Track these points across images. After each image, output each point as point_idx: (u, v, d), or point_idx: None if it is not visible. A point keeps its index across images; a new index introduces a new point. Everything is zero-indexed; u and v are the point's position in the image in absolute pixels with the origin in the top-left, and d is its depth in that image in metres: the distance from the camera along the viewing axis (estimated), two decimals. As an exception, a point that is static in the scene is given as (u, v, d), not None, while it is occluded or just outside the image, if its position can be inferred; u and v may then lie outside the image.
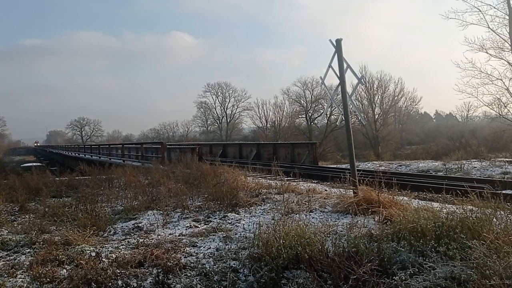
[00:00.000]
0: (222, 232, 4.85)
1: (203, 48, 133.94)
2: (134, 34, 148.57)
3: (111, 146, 27.99)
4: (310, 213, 5.66)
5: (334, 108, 35.58)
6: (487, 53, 20.94)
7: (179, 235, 4.86)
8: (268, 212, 5.91)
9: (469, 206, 4.04)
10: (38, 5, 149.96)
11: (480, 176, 12.10)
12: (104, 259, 3.79)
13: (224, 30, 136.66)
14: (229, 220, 5.58)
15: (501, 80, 21.08)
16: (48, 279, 3.34)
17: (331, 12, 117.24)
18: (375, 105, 43.40)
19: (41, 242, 4.48)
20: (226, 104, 61.94)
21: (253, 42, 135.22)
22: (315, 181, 11.26)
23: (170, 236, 4.84)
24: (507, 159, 16.66)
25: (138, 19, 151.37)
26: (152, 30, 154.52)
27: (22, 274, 3.54)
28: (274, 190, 7.67)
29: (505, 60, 20.98)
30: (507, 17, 20.39)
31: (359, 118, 27.04)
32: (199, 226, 5.31)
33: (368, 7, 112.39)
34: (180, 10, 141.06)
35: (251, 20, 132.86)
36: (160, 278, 3.24)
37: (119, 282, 3.25)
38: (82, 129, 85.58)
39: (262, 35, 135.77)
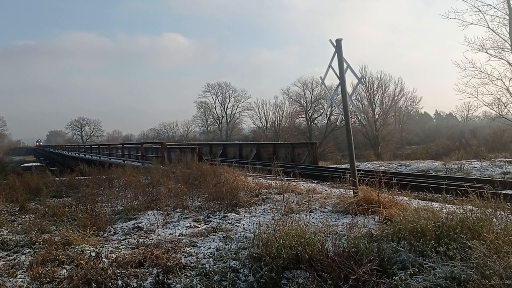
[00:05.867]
0: (222, 232, 4.85)
1: (197, 48, 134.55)
2: (128, 35, 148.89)
3: (111, 146, 28.02)
4: (310, 213, 5.66)
5: (334, 108, 35.57)
6: (487, 53, 20.92)
7: (179, 235, 4.86)
8: (268, 212, 5.90)
9: (469, 206, 4.04)
10: (29, 6, 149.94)
11: (480, 176, 12.11)
12: (104, 259, 3.79)
13: (217, 30, 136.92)
14: (229, 220, 5.58)
15: (501, 80, 21.06)
16: (48, 279, 3.34)
17: (323, 13, 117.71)
18: (375, 105, 43.45)
19: (41, 242, 4.48)
20: (226, 104, 62.03)
21: (247, 42, 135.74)
22: (315, 181, 11.26)
23: (170, 236, 4.84)
24: (507, 159, 16.65)
25: (131, 20, 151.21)
26: (146, 31, 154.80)
27: (22, 274, 3.54)
28: (274, 190, 7.67)
29: (505, 60, 20.97)
30: (507, 17, 20.37)
31: (359, 118, 26.98)
32: (199, 226, 5.31)
33: (361, 8, 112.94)
34: (172, 11, 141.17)
35: (244, 21, 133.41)
36: (160, 278, 3.24)
37: (119, 282, 3.25)
38: (82, 129, 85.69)
39: (256, 35, 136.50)
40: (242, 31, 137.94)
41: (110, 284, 3.19)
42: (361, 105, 41.70)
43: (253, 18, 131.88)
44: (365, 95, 42.86)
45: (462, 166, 14.70)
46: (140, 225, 5.45)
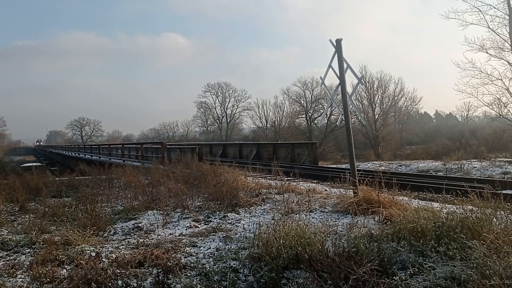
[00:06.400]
0: (222, 232, 4.85)
1: (197, 48, 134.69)
2: (128, 35, 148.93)
3: (111, 146, 28.01)
4: (310, 213, 5.66)
5: (334, 108, 35.57)
6: (487, 53, 20.90)
7: (179, 235, 4.86)
8: (268, 212, 5.91)
9: (469, 206, 4.04)
10: (28, 6, 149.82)
11: (480, 176, 12.10)
12: (104, 259, 3.79)
13: (216, 30, 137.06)
14: (229, 220, 5.58)
15: (501, 80, 21.05)
16: (48, 279, 3.34)
17: (323, 13, 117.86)
18: (375, 105, 43.41)
19: (41, 242, 4.48)
20: (226, 104, 62.02)
21: (246, 43, 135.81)
22: (315, 181, 11.26)
23: (170, 236, 4.84)
24: (507, 159, 16.66)
25: (131, 20, 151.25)
26: (145, 31, 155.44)
27: (22, 274, 3.54)
28: (274, 190, 7.66)
29: (505, 60, 20.95)
30: (507, 17, 20.36)
31: (359, 118, 27.00)
32: (199, 226, 5.31)
33: (361, 8, 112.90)
34: (171, 11, 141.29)
35: (243, 21, 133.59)
36: (160, 278, 3.24)
37: (119, 282, 3.25)
38: (82, 129, 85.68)
39: (255, 35, 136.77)
40: (241, 31, 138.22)
41: (110, 284, 3.19)
42: (361, 105, 41.69)
43: (252, 18, 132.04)
44: (365, 95, 42.88)
45: (462, 166, 14.70)
46: (140, 225, 5.45)
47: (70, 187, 9.46)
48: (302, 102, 50.14)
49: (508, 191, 7.37)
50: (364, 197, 5.47)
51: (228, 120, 61.80)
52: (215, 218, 5.72)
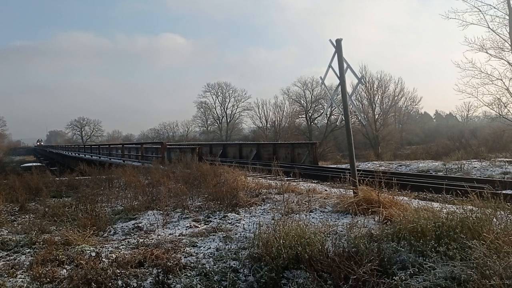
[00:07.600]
0: (222, 232, 4.85)
1: (196, 48, 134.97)
2: (126, 35, 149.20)
3: (111, 146, 28.02)
4: (310, 213, 5.66)
5: (334, 108, 35.61)
6: (487, 53, 20.89)
7: (179, 235, 4.86)
8: (268, 212, 5.90)
9: (469, 206, 4.04)
10: (27, 6, 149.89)
11: (480, 176, 12.11)
12: (104, 259, 3.79)
13: (215, 31, 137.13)
14: (229, 220, 5.58)
15: (501, 80, 21.03)
16: (48, 279, 3.34)
17: (321, 13, 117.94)
18: (375, 105, 43.41)
19: (41, 242, 4.48)
20: (226, 104, 62.04)
21: (245, 43, 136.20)
22: (315, 181, 11.26)
23: (170, 236, 4.84)
24: (507, 159, 16.66)
25: (129, 20, 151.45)
26: (144, 32, 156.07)
27: (22, 274, 3.54)
28: (274, 190, 7.66)
29: (505, 60, 20.93)
30: (507, 17, 20.35)
31: (359, 118, 27.03)
32: (199, 226, 5.31)
33: (360, 8, 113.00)
34: (170, 12, 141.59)
35: (241, 21, 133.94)
36: (160, 278, 3.24)
37: (119, 282, 3.25)
38: (82, 129, 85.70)
39: (254, 35, 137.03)
40: (240, 31, 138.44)
41: (110, 284, 3.19)
42: (361, 105, 41.69)
43: (251, 18, 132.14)
44: (365, 95, 42.88)
45: (462, 166, 14.70)
46: (140, 225, 5.45)
47: (70, 187, 9.46)
48: (302, 102, 50.20)
49: (508, 191, 7.38)
50: (364, 197, 5.47)
51: (228, 120, 61.82)
52: (215, 218, 5.72)
